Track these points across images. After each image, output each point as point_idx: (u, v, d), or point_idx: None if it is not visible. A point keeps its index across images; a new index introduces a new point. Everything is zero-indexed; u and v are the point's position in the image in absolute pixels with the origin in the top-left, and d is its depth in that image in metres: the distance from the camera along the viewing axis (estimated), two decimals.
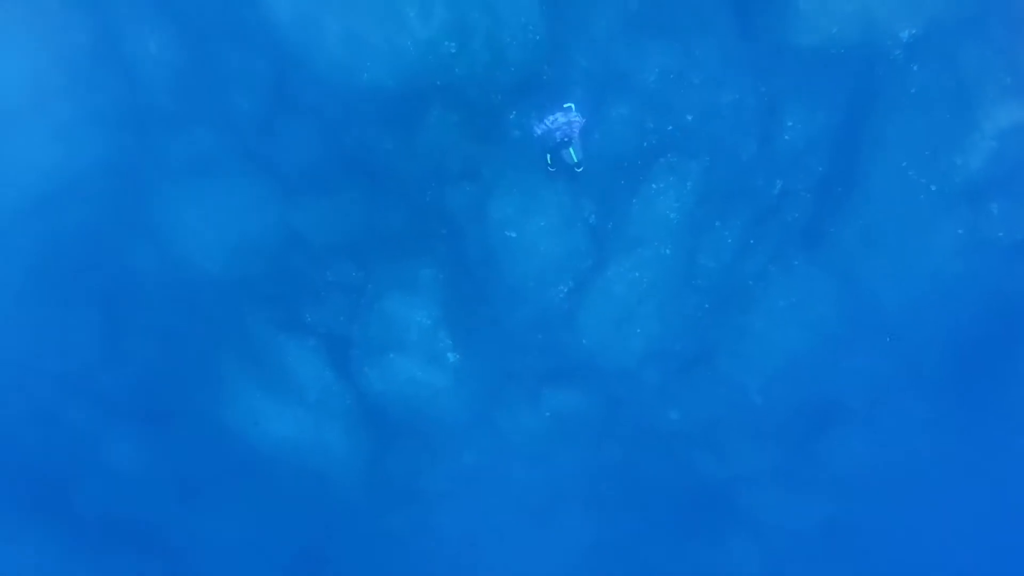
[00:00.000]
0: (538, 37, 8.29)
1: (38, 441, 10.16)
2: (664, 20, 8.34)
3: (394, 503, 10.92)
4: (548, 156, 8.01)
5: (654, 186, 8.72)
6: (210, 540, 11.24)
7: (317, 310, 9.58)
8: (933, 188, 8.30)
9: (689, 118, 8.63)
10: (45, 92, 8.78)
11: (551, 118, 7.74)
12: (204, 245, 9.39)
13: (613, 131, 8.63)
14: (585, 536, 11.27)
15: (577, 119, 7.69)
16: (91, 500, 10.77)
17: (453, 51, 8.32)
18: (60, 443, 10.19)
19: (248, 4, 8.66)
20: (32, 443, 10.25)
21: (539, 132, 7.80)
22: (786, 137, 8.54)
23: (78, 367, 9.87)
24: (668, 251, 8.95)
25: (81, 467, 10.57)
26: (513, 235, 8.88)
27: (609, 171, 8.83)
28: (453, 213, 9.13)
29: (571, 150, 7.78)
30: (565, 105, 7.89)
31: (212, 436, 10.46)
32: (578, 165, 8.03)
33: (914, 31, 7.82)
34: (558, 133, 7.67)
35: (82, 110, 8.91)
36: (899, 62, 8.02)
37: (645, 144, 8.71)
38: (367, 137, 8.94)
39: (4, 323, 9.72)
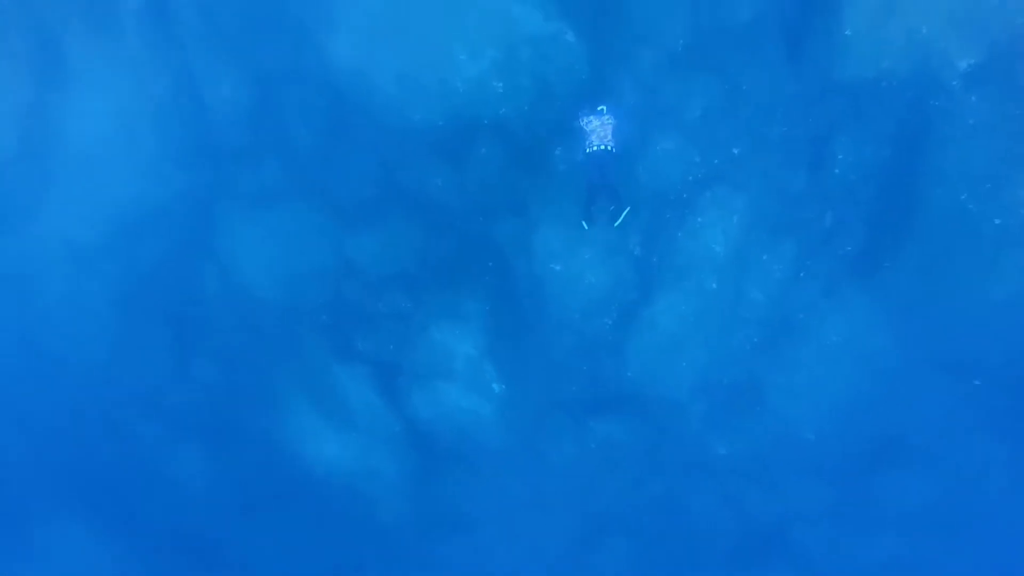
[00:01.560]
0: (583, 76, 8.52)
1: (110, 454, 10.91)
2: (710, 56, 8.42)
3: (439, 528, 11.08)
4: (584, 220, 8.33)
5: (700, 219, 8.72)
6: (262, 556, 11.68)
7: (368, 338, 9.96)
8: (997, 222, 7.98)
9: (736, 151, 8.63)
10: (130, 131, 9.66)
11: (585, 120, 7.98)
12: (265, 272, 9.97)
13: (659, 165, 8.72)
14: (629, 569, 11.09)
15: (610, 121, 7.88)
16: (155, 511, 11.43)
17: (500, 90, 8.65)
18: (130, 457, 10.89)
19: (310, 48, 9.31)
20: (104, 456, 11.01)
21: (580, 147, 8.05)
22: (836, 170, 8.39)
23: (150, 386, 10.57)
24: (714, 284, 8.91)
25: (148, 480, 11.25)
26: (558, 268, 9.06)
27: (655, 204, 8.90)
28: (500, 246, 9.38)
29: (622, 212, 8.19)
30: (599, 108, 8.01)
31: (269, 456, 10.95)
32: (617, 222, 8.28)
33: (973, 60, 7.61)
34: (593, 136, 7.88)
35: (162, 147, 9.72)
36: (956, 93, 7.80)
37: (691, 177, 8.75)
38: (419, 172, 9.34)
39: (86, 342, 10.57)
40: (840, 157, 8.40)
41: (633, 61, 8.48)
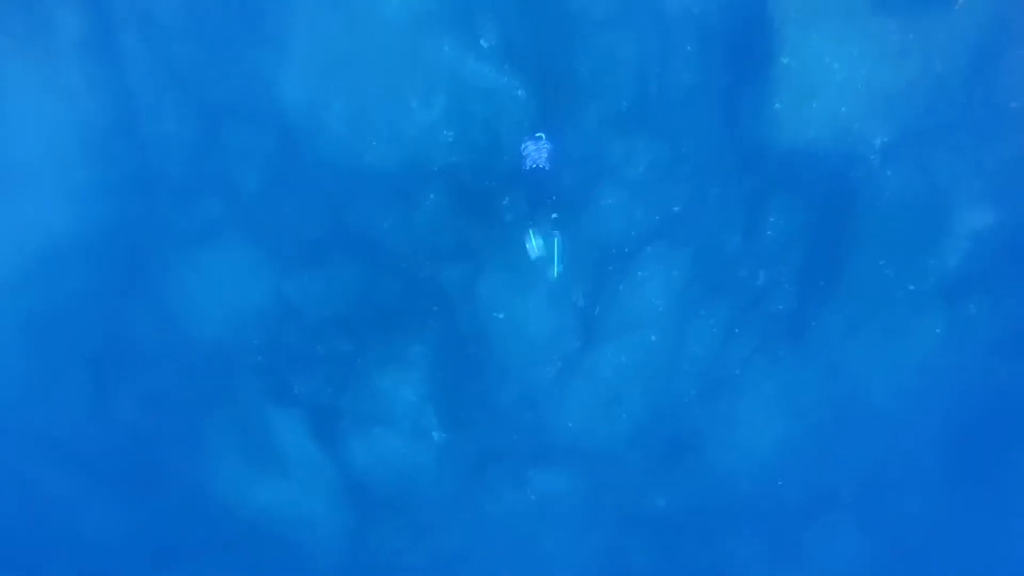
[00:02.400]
0: (531, 129, 8.74)
1: (12, 506, 10.01)
2: (653, 117, 8.82)
3: None
4: (529, 243, 8.48)
5: (641, 273, 8.97)
6: None
7: (305, 381, 9.63)
8: (911, 287, 8.54)
9: (676, 209, 8.98)
10: (62, 158, 9.21)
11: (523, 146, 8.31)
12: (199, 313, 9.57)
13: (602, 219, 8.96)
14: None
15: (547, 146, 8.23)
16: (63, 569, 10.50)
17: (450, 139, 8.78)
18: (37, 509, 10.03)
19: (260, 85, 9.23)
20: (6, 508, 10.10)
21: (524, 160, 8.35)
22: (769, 232, 8.84)
23: (63, 430, 9.84)
24: (655, 337, 9.11)
25: (56, 533, 10.36)
26: (501, 316, 9.08)
27: (598, 257, 9.10)
28: (445, 291, 9.35)
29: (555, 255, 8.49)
30: (536, 135, 8.35)
31: (195, 504, 10.29)
32: (556, 271, 8.57)
33: (886, 139, 8.25)
34: (528, 160, 8.25)
35: (95, 177, 9.28)
36: (875, 166, 8.42)
37: (633, 232, 9.02)
38: (366, 215, 9.29)
39: None
40: (772, 220, 8.86)
41: (580, 117, 8.78)
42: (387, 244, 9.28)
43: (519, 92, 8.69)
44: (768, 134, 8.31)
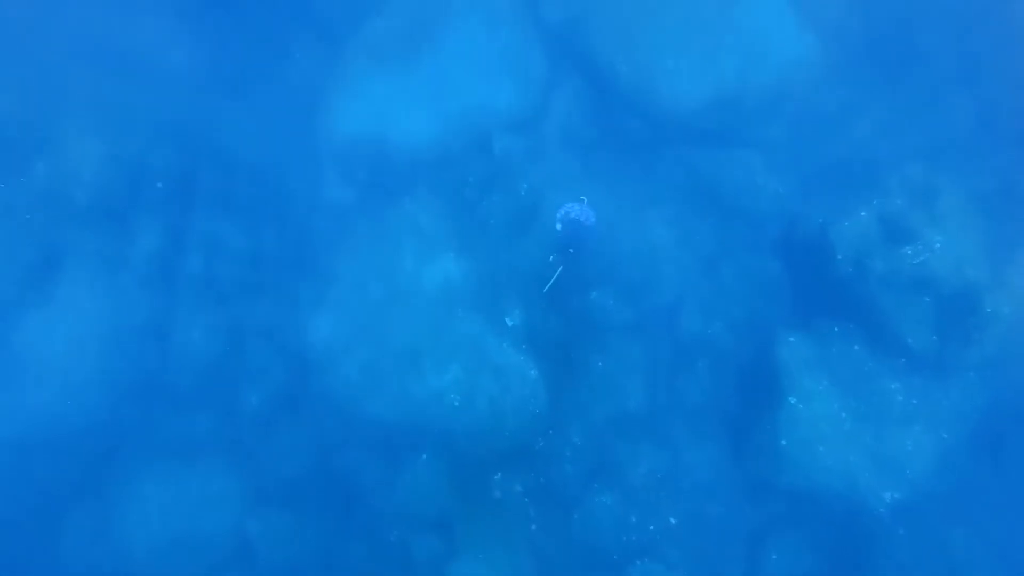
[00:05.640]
0: (538, 411, 8.78)
1: None
2: (659, 423, 8.84)
3: None
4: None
5: None
6: None
7: None
8: None
9: (673, 521, 8.48)
10: (82, 348, 9.42)
11: (567, 207, 8.43)
12: (148, 532, 8.82)
13: (596, 519, 8.45)
14: None
15: (590, 213, 8.40)
16: None
17: (456, 405, 8.81)
18: None
19: (291, 315, 9.75)
20: None
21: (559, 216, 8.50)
22: (769, 569, 8.15)
23: None
24: None
25: None
26: None
27: (587, 559, 8.39)
28: (415, 563, 8.54)
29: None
30: (580, 197, 8.50)
31: None
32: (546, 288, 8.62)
33: (897, 495, 7.96)
34: (572, 212, 8.37)
35: (108, 372, 9.37)
36: (885, 521, 8.01)
37: (624, 539, 8.41)
38: (353, 464, 9.02)
39: None
40: (774, 557, 8.23)
41: (588, 411, 8.83)
42: (366, 499, 8.81)
43: (532, 372, 8.93)
44: (773, 468, 8.13)
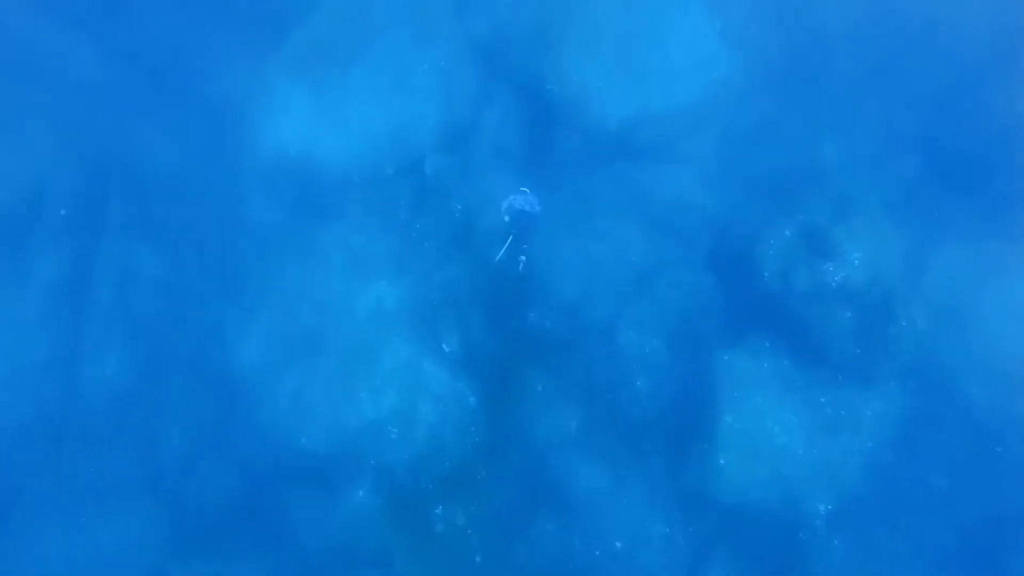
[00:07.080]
0: (478, 439, 8.58)
1: None
2: (599, 443, 8.78)
3: None
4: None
5: None
6: None
7: None
8: None
9: (618, 545, 8.43)
10: None
11: (511, 198, 8.61)
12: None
13: (541, 546, 8.30)
14: None
15: (535, 201, 8.57)
16: None
17: (394, 436, 8.51)
18: None
19: (215, 344, 9.19)
20: None
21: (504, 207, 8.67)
22: None
23: None
24: None
25: None
26: None
27: None
28: None
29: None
30: (522, 189, 8.68)
31: None
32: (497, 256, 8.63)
33: (831, 506, 8.20)
34: (516, 202, 8.53)
35: (13, 414, 8.60)
36: (820, 532, 8.22)
37: (571, 566, 8.29)
38: (286, 499, 8.54)
39: None
40: (714, 573, 8.30)
41: (528, 435, 8.69)
42: (300, 537, 8.35)
43: (471, 399, 8.73)
44: (713, 486, 8.22)
